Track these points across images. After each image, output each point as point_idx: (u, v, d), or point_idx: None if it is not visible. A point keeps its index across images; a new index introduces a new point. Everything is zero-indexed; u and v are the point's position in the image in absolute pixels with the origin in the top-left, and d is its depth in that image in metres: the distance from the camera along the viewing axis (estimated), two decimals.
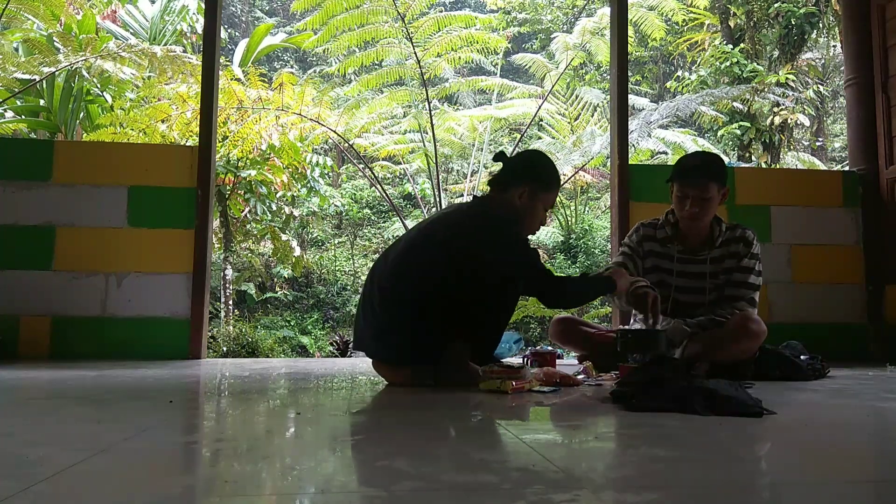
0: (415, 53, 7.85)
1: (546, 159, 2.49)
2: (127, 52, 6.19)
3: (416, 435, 1.42)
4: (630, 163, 3.86)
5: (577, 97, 11.74)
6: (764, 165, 10.73)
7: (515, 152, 2.60)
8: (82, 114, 7.41)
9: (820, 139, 15.62)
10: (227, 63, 8.95)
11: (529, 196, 2.35)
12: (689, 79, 11.89)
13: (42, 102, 7.29)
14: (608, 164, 7.46)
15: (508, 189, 2.37)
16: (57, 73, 6.61)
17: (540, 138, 12.58)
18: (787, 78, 11.07)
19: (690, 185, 2.54)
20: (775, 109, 10.93)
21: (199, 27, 8.79)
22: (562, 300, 2.40)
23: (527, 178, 2.37)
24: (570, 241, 12.03)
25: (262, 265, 11.79)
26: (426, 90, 8.18)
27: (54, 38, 6.65)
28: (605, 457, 1.28)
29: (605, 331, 2.89)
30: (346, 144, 8.75)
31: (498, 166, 2.49)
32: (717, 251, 2.62)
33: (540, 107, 9.89)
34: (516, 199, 2.35)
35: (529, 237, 2.45)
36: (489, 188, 2.47)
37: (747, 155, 11.15)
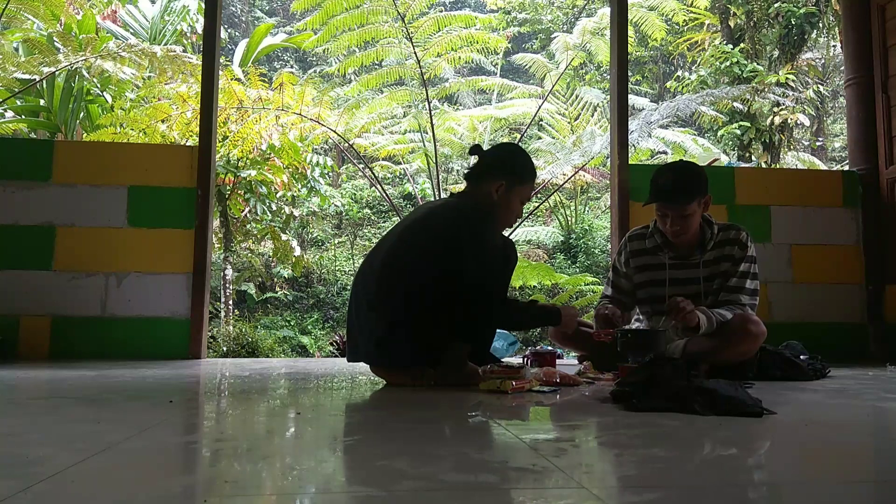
0: (415, 53, 7.85)
1: (522, 152, 2.46)
2: (127, 52, 6.19)
3: (416, 435, 1.42)
4: (630, 163, 3.86)
5: (577, 97, 11.73)
6: (764, 165, 10.72)
7: (492, 145, 2.56)
8: (82, 114, 7.41)
9: (820, 139, 15.62)
10: (227, 63, 8.95)
11: (506, 189, 2.34)
12: (689, 79, 11.89)
13: (42, 102, 7.29)
14: (608, 164, 7.46)
15: (483, 183, 2.35)
16: (57, 73, 6.60)
17: (540, 138, 12.57)
18: (787, 78, 11.07)
19: (668, 206, 2.50)
20: (775, 109, 10.93)
21: (199, 27, 8.79)
22: (492, 319, 2.31)
23: (503, 171, 2.35)
24: (570, 241, 12.03)
25: (262, 265, 11.78)
26: (426, 90, 8.18)
27: (54, 38, 6.65)
28: (605, 457, 1.28)
29: (605, 331, 2.89)
30: (346, 144, 8.75)
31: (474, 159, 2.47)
32: (711, 253, 2.59)
33: (540, 107, 9.87)
34: (493, 193, 2.33)
35: (515, 231, 2.43)
36: (465, 182, 2.45)
37: (747, 155, 11.14)
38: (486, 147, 2.48)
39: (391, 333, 2.21)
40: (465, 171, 2.45)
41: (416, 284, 2.20)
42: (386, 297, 2.22)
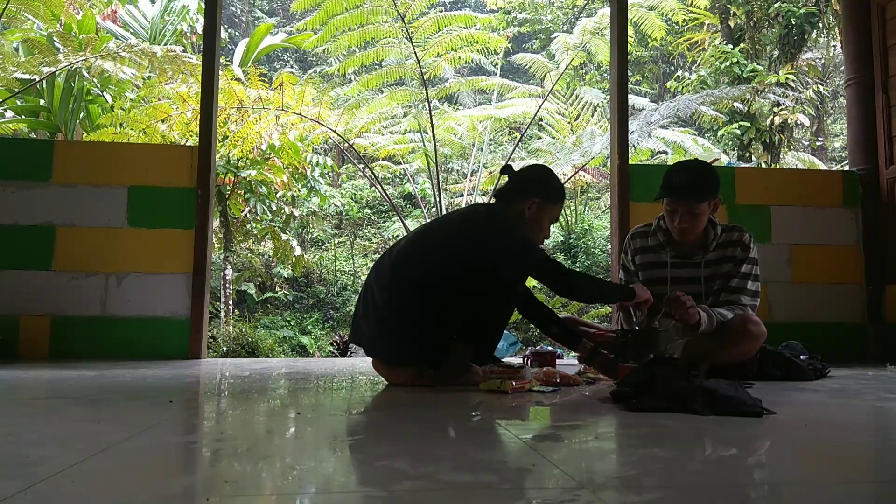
0: (415, 53, 7.85)
1: (553, 174, 2.51)
2: (127, 52, 6.19)
3: (416, 435, 1.42)
4: (630, 163, 3.86)
5: (577, 97, 11.73)
6: (764, 165, 10.72)
7: (522, 166, 2.60)
8: (82, 114, 7.41)
9: (820, 139, 15.62)
10: (227, 63, 8.95)
11: (538, 208, 2.37)
12: (689, 79, 11.89)
13: (42, 102, 7.29)
14: (608, 164, 7.47)
15: (515, 201, 2.38)
16: (57, 73, 6.61)
17: (540, 138, 12.58)
18: (787, 78, 11.07)
19: (680, 202, 2.51)
20: (775, 109, 10.93)
21: (199, 27, 8.79)
22: (575, 289, 2.39)
23: (536, 189, 2.39)
24: (570, 241, 12.03)
25: (262, 265, 11.78)
26: (426, 90, 8.18)
27: (54, 38, 6.66)
28: (605, 457, 1.28)
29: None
30: (346, 144, 8.75)
31: (502, 179, 2.49)
32: (713, 254, 2.59)
33: (540, 107, 9.88)
34: (526, 211, 2.37)
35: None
36: (494, 201, 2.48)
37: (747, 155, 11.14)
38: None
39: (398, 330, 2.22)
40: (495, 190, 2.47)
41: (428, 284, 2.21)
42: (397, 294, 2.23)
